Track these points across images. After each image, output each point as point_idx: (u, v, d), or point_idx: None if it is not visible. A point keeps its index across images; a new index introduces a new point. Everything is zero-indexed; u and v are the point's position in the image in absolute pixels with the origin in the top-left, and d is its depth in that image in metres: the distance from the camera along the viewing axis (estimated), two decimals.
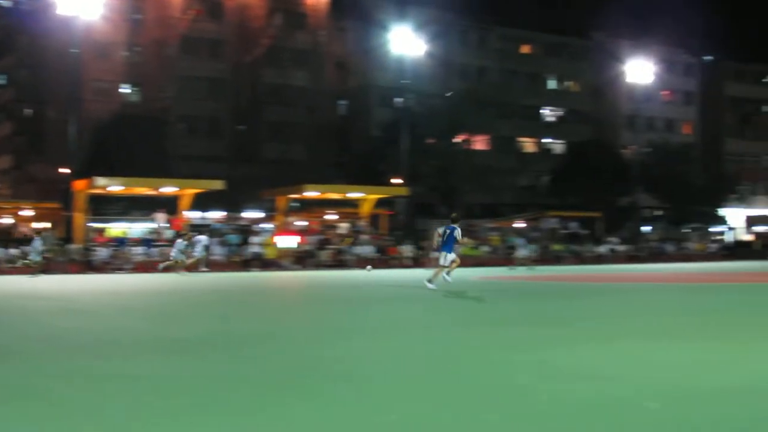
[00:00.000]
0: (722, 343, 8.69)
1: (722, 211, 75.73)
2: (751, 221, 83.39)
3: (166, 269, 33.09)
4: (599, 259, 51.84)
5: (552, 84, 78.36)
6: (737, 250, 65.15)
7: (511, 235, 50.27)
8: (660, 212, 74.83)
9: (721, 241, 69.51)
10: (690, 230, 68.38)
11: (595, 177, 63.34)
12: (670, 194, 69.49)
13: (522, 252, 42.57)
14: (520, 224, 56.44)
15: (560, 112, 78.17)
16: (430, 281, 19.78)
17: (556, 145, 76.62)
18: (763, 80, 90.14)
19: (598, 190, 63.58)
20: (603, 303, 16.22)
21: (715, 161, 79.91)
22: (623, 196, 66.02)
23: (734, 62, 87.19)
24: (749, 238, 78.02)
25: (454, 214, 21.16)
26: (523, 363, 7.29)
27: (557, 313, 13.48)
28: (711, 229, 72.99)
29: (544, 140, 76.90)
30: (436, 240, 20.69)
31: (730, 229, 78.09)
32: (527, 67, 75.62)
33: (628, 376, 6.55)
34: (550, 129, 77.09)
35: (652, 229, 68.07)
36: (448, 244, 19.93)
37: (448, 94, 61.01)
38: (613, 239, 56.45)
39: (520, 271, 34.87)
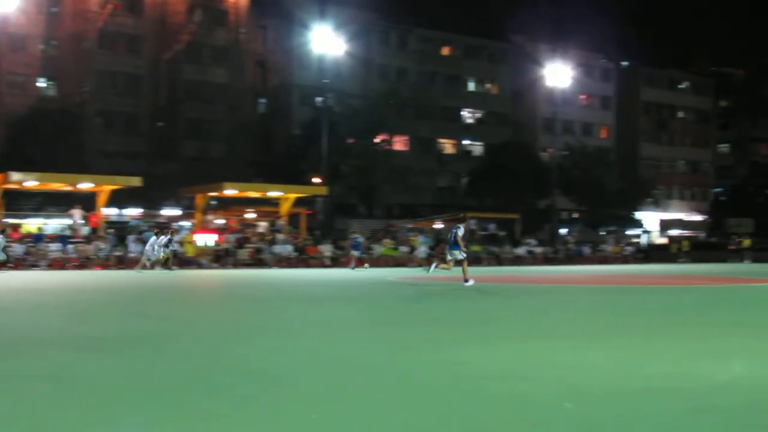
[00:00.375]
0: (636, 343, 8.95)
1: (638, 215, 79.36)
2: (666, 225, 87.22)
3: (146, 267, 34.55)
4: (517, 261, 53.82)
5: (471, 86, 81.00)
6: (652, 253, 67.78)
7: (427, 235, 51.92)
8: (577, 215, 78.06)
9: (637, 244, 72.41)
10: (606, 233, 71.73)
11: (513, 179, 65.83)
12: (587, 197, 72.38)
13: (421, 251, 43.57)
14: (439, 225, 58.01)
15: (479, 114, 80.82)
16: (466, 281, 21.25)
17: (476, 147, 79.21)
18: (678, 86, 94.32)
19: (517, 192, 66.25)
20: (519, 304, 16.59)
21: (631, 165, 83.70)
22: (541, 199, 68.92)
23: (650, 68, 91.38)
24: (664, 241, 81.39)
25: (461, 215, 23.24)
26: (438, 363, 7.38)
27: (473, 313, 13.69)
28: (627, 232, 76.29)
29: (463, 142, 79.37)
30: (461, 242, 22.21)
31: (646, 232, 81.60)
32: (447, 68, 78.06)
33: (542, 376, 6.71)
34: (470, 130, 79.58)
35: (569, 232, 71.20)
36: (455, 243, 21.80)
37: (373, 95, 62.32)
38: (531, 241, 58.55)
39: (419, 272, 35.42)
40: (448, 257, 22.17)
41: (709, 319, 12.59)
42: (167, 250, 36.00)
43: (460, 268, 22.06)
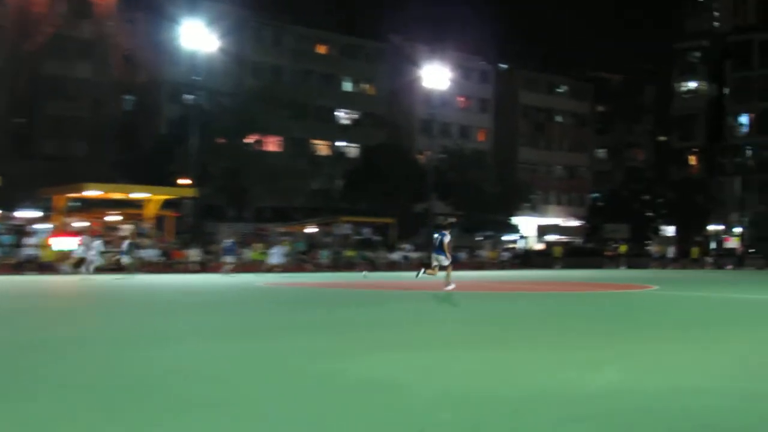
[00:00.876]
0: (513, 351, 9.35)
1: (515, 220, 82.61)
2: (543, 230, 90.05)
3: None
4: (392, 266, 55.10)
5: (348, 86, 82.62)
6: (529, 259, 69.87)
7: (300, 239, 52.54)
8: (454, 219, 78.75)
9: (514, 249, 74.53)
10: (483, 238, 74.21)
11: (389, 182, 67.57)
12: (464, 201, 74.50)
13: (274, 258, 43.99)
14: (312, 229, 58.58)
15: (355, 115, 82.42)
16: (447, 285, 22.92)
17: (351, 149, 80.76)
18: (557, 90, 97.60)
19: (392, 196, 68.08)
20: (395, 311, 16.81)
21: (508, 169, 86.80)
22: (417, 202, 70.75)
23: (529, 71, 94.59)
24: (540, 246, 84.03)
25: (447, 221, 25.67)
26: (313, 373, 7.52)
27: (349, 320, 13.98)
28: (504, 238, 78.46)
29: (338, 143, 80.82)
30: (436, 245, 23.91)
31: (523, 237, 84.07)
32: (322, 67, 79.45)
33: (417, 385, 6.94)
34: (345, 132, 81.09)
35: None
36: (440, 248, 23.31)
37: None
38: (407, 246, 60.09)
39: (269, 278, 36.40)
40: (434, 263, 23.81)
41: (584, 326, 13.08)
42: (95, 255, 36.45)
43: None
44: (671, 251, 66.45)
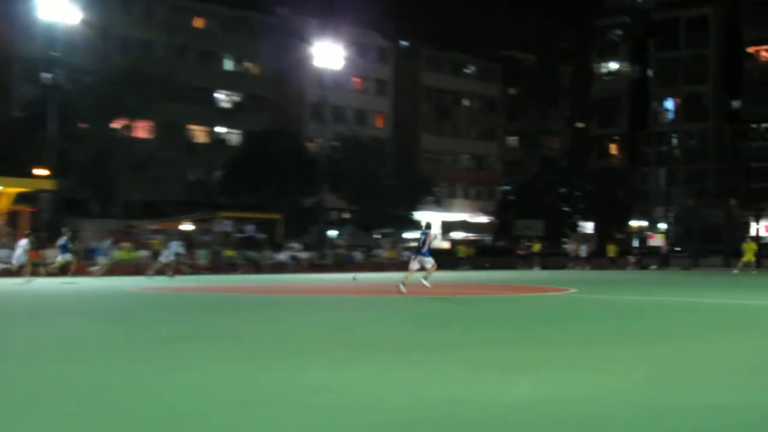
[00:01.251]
0: (417, 360, 9.75)
1: (417, 215, 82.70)
2: (448, 227, 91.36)
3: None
4: (279, 268, 56.01)
5: (229, 64, 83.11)
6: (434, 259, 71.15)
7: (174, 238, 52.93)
8: (348, 215, 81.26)
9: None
10: (381, 236, 75.96)
11: (275, 173, 67.88)
12: (359, 194, 75.66)
13: (166, 257, 44.42)
14: (188, 226, 58.82)
15: (237, 98, 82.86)
16: (424, 278, 25.50)
17: (232, 135, 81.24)
18: (463, 71, 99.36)
19: (279, 188, 68.66)
20: (283, 319, 17.15)
21: (410, 158, 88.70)
22: (307, 196, 71.66)
23: (432, 50, 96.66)
24: (445, 245, 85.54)
25: (427, 222, 27.59)
26: (172, 386, 7.80)
27: (219, 329, 14.44)
28: (404, 235, 79.52)
29: (218, 129, 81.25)
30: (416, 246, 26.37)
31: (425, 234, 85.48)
32: (200, 43, 79.56)
33: (298, 400, 7.29)
34: (226, 116, 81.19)
35: (339, 234, 74.63)
36: (424, 248, 25.52)
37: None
38: (295, 245, 61.03)
39: (159, 281, 36.97)
40: (416, 265, 25.76)
41: (493, 334, 13.59)
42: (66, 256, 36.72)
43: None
44: (584, 250, 67.67)
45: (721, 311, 19.83)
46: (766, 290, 30.45)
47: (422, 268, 25.62)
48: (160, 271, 43.01)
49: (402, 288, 24.73)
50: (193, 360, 9.81)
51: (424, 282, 25.71)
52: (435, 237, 25.88)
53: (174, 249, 43.72)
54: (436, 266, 25.83)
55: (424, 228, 26.72)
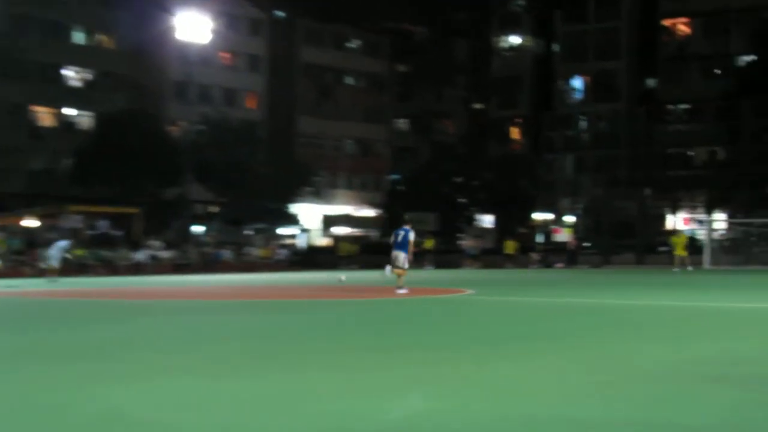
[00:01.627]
0: (287, 376, 9.80)
1: (294, 208, 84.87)
2: (330, 221, 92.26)
3: None
4: (137, 269, 57.02)
5: (79, 37, 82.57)
6: (312, 258, 71.89)
7: (16, 235, 52.79)
8: (215, 208, 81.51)
9: (293, 246, 76.89)
10: (253, 232, 77.07)
11: (132, 161, 67.79)
12: (228, 185, 76.19)
13: (55, 259, 44.17)
14: (32, 222, 58.78)
15: (89, 75, 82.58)
16: (399, 288, 27.18)
17: (83, 118, 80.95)
18: (347, 45, 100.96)
19: (137, 179, 68.82)
20: (143, 329, 17.11)
21: (285, 144, 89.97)
22: (169, 187, 72.30)
23: (311, 21, 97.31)
24: (326, 242, 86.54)
25: (406, 216, 28.17)
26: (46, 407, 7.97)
27: (84, 342, 14.32)
28: (280, 231, 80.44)
29: (66, 111, 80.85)
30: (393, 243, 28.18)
31: (304, 231, 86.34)
32: (45, 12, 78.13)
33: (167, 421, 7.40)
34: (76, 96, 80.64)
35: (206, 231, 75.49)
36: (404, 244, 27.62)
37: None
38: (156, 243, 62.13)
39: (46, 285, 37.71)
40: (398, 263, 27.82)
41: (379, 342, 13.82)
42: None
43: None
44: (474, 246, 68.48)
45: (628, 313, 20.28)
46: (682, 289, 30.92)
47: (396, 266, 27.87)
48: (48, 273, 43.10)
49: (401, 290, 26.93)
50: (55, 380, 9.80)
51: (387, 273, 28.49)
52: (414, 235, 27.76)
53: (60, 248, 43.83)
54: (407, 269, 28.02)
55: (405, 224, 28.93)
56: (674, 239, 56.81)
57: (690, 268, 52.77)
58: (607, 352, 12.18)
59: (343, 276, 39.20)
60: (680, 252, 54.11)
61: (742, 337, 14.29)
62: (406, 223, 29.41)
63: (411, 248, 27.95)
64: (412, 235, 28.06)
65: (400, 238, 27.91)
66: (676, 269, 52.57)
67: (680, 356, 11.54)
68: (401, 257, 27.64)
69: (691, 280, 39.15)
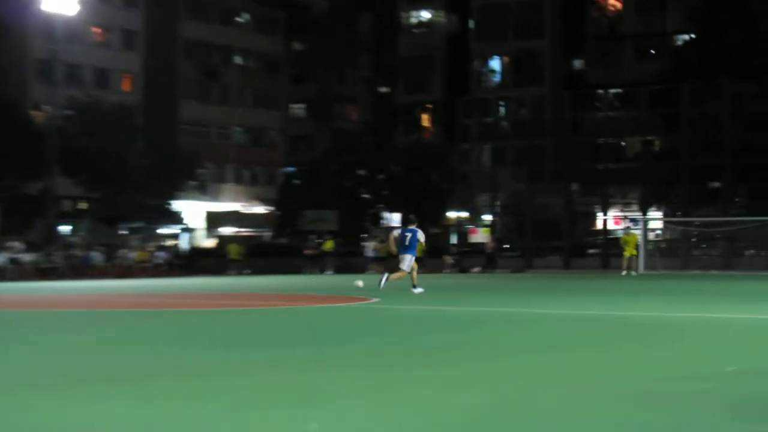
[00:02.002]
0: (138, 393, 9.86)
1: (176, 205, 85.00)
2: (216, 220, 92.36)
3: None
4: None
5: None
6: (195, 261, 72.10)
7: None
8: (86, 205, 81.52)
9: (174, 248, 77.40)
10: (129, 232, 77.41)
11: None
12: (100, 179, 75.80)
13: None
14: None
15: None
16: (414, 287, 29.41)
17: None
18: (235, 19, 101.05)
19: None
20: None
21: (166, 132, 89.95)
22: (32, 180, 72.00)
23: None
24: (212, 243, 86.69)
25: (411, 216, 31.49)
26: None
27: None
28: (159, 231, 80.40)
29: None
30: (393, 244, 30.42)
31: (187, 230, 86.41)
32: None
33: None
34: None
35: (75, 230, 75.81)
36: (412, 246, 29.58)
37: None
38: (16, 244, 61.63)
39: None
40: (402, 265, 29.88)
41: (264, 356, 13.88)
42: None
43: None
44: (370, 249, 68.42)
45: (549, 324, 20.28)
46: (611, 297, 31.52)
47: (396, 268, 30.26)
48: None
49: (417, 290, 29.19)
50: None
51: (384, 282, 29.88)
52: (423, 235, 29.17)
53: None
54: (414, 267, 30.07)
55: (411, 224, 30.80)
56: (625, 237, 57.43)
57: (634, 273, 53.76)
58: (506, 367, 12.38)
59: (360, 282, 38.87)
60: (631, 251, 54.88)
61: (667, 349, 14.69)
62: (412, 223, 30.99)
63: (421, 248, 30.85)
64: (421, 236, 30.08)
65: (407, 240, 29.72)
66: (624, 272, 53.47)
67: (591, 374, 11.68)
68: (407, 259, 29.53)
69: (624, 287, 39.46)
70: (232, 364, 12.79)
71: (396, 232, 31.65)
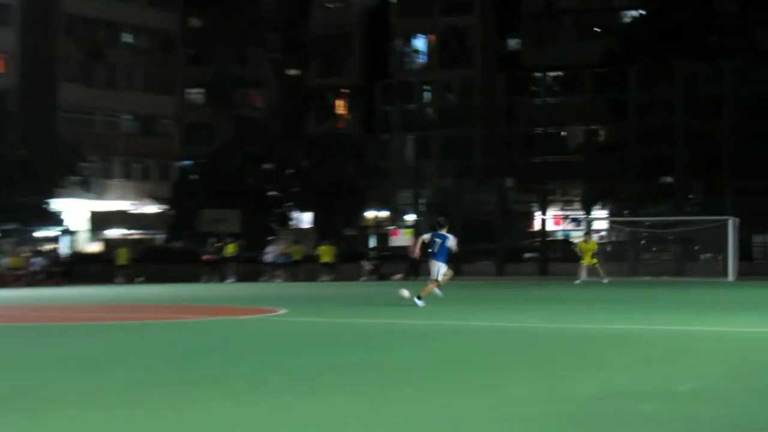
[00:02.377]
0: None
1: (55, 204, 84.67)
2: (102, 220, 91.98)
3: None
4: None
5: None
6: (77, 268, 71.78)
7: None
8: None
9: (53, 252, 76.68)
10: (0, 234, 76.45)
11: None
12: None
13: None
14: None
15: None
16: (419, 297, 29.64)
17: None
18: None
19: None
20: None
21: (44, 120, 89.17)
22: None
23: None
24: (97, 247, 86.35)
25: (441, 219, 32.03)
26: None
27: None
28: (36, 234, 79.78)
29: None
30: (418, 249, 31.13)
31: (68, 233, 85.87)
32: None
33: None
34: None
35: None
36: (442, 253, 29.94)
37: None
38: None
39: None
40: (442, 271, 30.50)
41: (154, 377, 13.91)
42: None
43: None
44: (270, 255, 68.11)
45: (475, 339, 20.80)
46: (555, 306, 32.85)
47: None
48: None
49: (438, 291, 30.59)
50: None
51: (438, 292, 30.92)
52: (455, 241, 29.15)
53: None
54: (449, 275, 31.44)
55: (440, 228, 31.02)
56: (582, 245, 57.49)
57: (605, 280, 54.04)
58: (423, 390, 12.23)
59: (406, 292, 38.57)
60: (588, 260, 55.19)
61: (609, 365, 15.01)
62: (441, 227, 31.09)
63: (454, 251, 31.45)
64: (452, 242, 30.41)
65: (437, 247, 30.06)
66: (578, 281, 53.96)
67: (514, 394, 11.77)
68: (442, 269, 30.19)
69: (564, 296, 40.31)
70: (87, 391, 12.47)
71: (426, 236, 31.53)
